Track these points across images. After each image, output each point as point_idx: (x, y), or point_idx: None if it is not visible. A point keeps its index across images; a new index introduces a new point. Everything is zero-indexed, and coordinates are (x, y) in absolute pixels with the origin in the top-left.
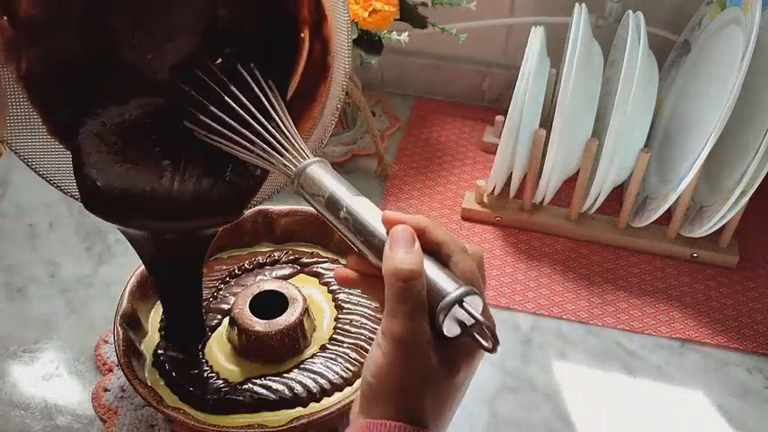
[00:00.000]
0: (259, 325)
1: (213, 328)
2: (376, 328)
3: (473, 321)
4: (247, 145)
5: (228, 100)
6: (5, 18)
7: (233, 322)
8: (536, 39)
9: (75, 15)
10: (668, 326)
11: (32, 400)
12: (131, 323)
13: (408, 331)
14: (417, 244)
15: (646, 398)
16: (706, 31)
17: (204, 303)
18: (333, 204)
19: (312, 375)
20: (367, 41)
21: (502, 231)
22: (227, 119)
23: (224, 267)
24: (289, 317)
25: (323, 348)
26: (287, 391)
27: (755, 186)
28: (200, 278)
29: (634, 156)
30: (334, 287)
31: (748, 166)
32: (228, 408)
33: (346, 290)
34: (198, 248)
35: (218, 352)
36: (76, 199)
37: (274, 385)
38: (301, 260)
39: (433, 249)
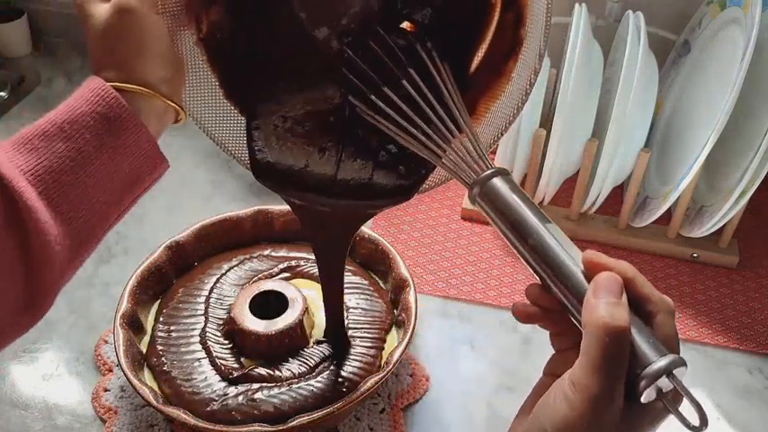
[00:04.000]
0: (259, 325)
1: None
2: (374, 327)
3: (669, 389)
4: (422, 139)
5: (406, 84)
6: None
7: (233, 322)
8: None
9: None
10: None
11: (32, 400)
12: (131, 323)
13: (607, 392)
14: (625, 297)
15: None
16: (706, 31)
17: (204, 304)
18: (520, 228)
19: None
20: None
21: None
22: (401, 104)
23: (224, 267)
24: (289, 317)
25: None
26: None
27: (755, 186)
28: (346, 255)
29: (634, 156)
30: None
31: (748, 166)
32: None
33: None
34: (354, 223)
35: (219, 352)
36: (246, 167)
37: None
38: (300, 259)
39: (636, 304)
